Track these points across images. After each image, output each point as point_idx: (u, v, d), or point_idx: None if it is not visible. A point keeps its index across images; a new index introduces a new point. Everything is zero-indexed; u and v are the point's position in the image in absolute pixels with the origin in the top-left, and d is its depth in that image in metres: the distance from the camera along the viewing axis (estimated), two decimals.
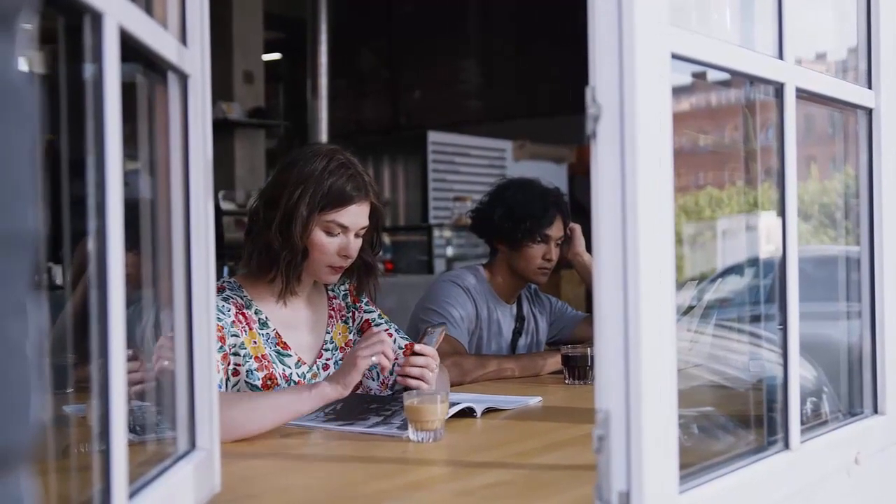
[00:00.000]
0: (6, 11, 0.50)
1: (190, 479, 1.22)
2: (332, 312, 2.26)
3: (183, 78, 1.26)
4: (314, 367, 2.17)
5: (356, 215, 2.10)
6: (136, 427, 1.26)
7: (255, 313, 2.12)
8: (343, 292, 2.31)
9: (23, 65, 0.52)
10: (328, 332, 2.23)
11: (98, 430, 0.95)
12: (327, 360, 2.21)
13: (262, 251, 2.10)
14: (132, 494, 1.01)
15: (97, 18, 0.93)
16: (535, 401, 2.23)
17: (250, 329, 2.08)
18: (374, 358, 1.88)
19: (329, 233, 2.08)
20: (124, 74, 0.98)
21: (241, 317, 2.07)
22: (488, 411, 2.07)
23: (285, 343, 2.13)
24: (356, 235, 2.12)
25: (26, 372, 0.51)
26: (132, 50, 1.04)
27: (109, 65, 0.94)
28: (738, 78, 1.48)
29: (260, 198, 2.13)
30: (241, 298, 2.11)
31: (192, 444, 1.28)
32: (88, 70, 0.94)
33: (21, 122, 0.50)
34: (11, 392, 0.50)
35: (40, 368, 0.52)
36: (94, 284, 0.93)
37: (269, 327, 2.12)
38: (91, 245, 0.95)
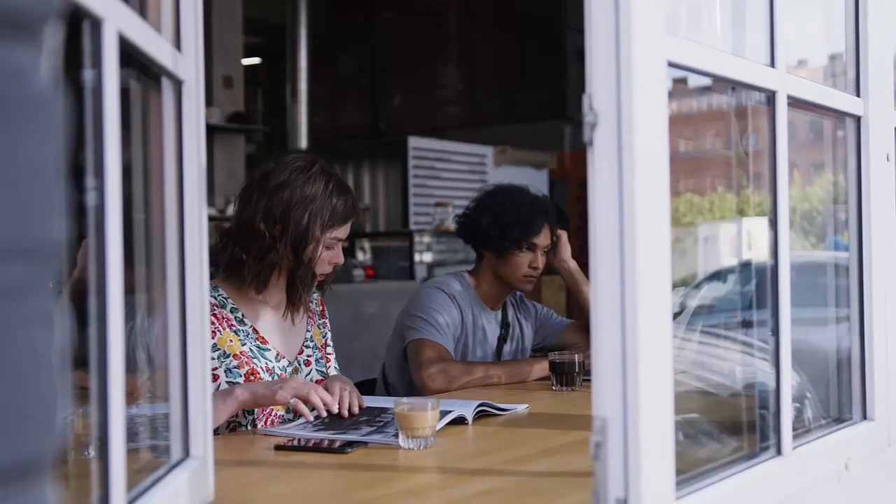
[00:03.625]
0: (32, 20, 0.49)
1: (184, 488, 1.21)
2: (311, 313, 2.33)
3: (177, 84, 1.25)
4: (295, 363, 2.22)
5: (349, 228, 2.21)
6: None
7: (231, 311, 2.14)
8: (315, 299, 2.37)
9: (49, 73, 0.51)
10: (308, 331, 2.29)
11: (90, 438, 0.94)
12: (308, 356, 2.26)
13: (269, 269, 2.12)
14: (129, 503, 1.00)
15: (97, 24, 0.92)
16: (522, 408, 2.24)
17: (226, 328, 2.11)
18: (291, 401, 1.94)
19: (329, 248, 2.17)
20: (120, 80, 0.97)
21: (212, 318, 2.07)
22: (480, 414, 2.07)
23: (263, 338, 2.17)
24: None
25: (53, 381, 0.50)
26: (127, 55, 1.03)
27: (109, 70, 0.93)
28: (722, 84, 1.48)
29: (263, 217, 2.10)
30: (215, 298, 2.12)
31: (186, 453, 1.27)
32: (87, 75, 0.94)
33: (49, 130, 0.49)
34: (39, 402, 0.49)
35: (64, 378, 0.51)
36: (92, 291, 0.92)
37: (246, 325, 2.15)
38: (87, 250, 0.94)
